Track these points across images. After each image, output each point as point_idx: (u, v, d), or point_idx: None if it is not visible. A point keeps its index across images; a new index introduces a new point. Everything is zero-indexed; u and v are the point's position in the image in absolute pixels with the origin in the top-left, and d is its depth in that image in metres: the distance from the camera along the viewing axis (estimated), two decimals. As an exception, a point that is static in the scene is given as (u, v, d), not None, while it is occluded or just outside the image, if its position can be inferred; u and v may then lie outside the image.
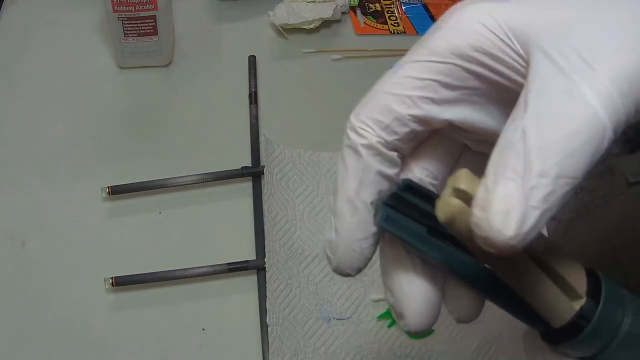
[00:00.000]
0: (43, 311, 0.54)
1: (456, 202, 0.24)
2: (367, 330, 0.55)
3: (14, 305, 0.54)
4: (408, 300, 0.28)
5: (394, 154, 0.27)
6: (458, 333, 0.56)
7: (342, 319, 0.55)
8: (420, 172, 0.29)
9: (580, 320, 0.27)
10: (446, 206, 0.24)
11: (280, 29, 0.73)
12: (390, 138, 0.27)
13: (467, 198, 0.24)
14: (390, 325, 0.55)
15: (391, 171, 0.28)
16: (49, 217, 0.59)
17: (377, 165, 0.27)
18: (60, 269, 0.56)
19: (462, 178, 0.24)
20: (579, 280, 0.27)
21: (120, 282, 0.54)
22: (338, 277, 0.57)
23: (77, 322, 0.54)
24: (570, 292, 0.27)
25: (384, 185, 0.28)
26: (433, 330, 0.56)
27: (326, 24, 0.75)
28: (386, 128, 0.27)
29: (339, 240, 0.28)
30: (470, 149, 0.30)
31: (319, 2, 0.73)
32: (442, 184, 0.29)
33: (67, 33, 0.71)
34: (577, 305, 0.27)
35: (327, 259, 0.28)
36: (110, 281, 0.54)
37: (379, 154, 0.27)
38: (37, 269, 0.56)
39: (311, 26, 0.73)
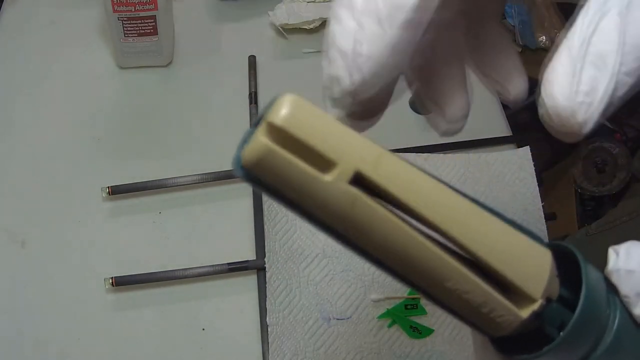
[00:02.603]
0: (43, 311, 0.54)
1: (265, 142, 0.19)
2: (367, 330, 0.55)
3: (14, 305, 0.54)
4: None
5: None
6: (458, 333, 0.56)
7: (342, 319, 0.55)
8: None
9: (539, 326, 0.21)
10: (257, 146, 0.19)
11: (280, 29, 0.73)
12: None
13: (286, 137, 0.19)
14: (390, 325, 0.55)
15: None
16: (49, 217, 0.59)
17: None
18: (60, 269, 0.56)
19: (284, 107, 0.19)
20: (532, 275, 0.21)
21: (120, 282, 0.54)
22: (338, 277, 0.57)
23: (77, 322, 0.54)
24: (516, 293, 0.21)
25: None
26: (433, 330, 0.56)
27: (326, 24, 0.75)
28: None
29: (363, 52, 0.22)
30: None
31: (319, 2, 0.73)
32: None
33: (67, 33, 0.71)
34: (528, 310, 0.21)
35: (335, 81, 0.23)
36: (110, 281, 0.54)
37: None
38: (37, 269, 0.56)
39: (311, 26, 0.73)
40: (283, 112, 0.19)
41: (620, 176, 1.08)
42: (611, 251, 0.24)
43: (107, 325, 0.54)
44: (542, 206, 0.64)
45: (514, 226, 0.22)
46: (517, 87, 0.30)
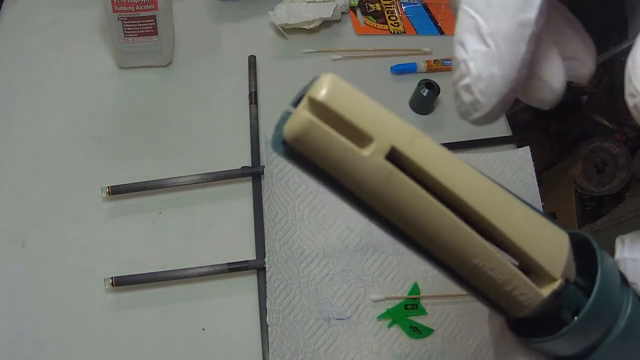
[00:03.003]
0: (43, 311, 0.54)
1: (308, 117, 0.20)
2: (367, 330, 0.55)
3: (14, 305, 0.54)
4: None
5: None
6: (458, 333, 0.56)
7: (342, 319, 0.55)
8: None
9: (556, 308, 0.22)
10: (300, 119, 0.20)
11: (280, 29, 0.73)
12: None
13: (326, 113, 0.20)
14: (390, 325, 0.55)
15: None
16: (49, 217, 0.59)
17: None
18: (60, 269, 0.56)
19: (325, 85, 0.21)
20: (552, 255, 0.22)
21: (120, 282, 0.54)
22: (338, 277, 0.57)
23: (77, 322, 0.54)
24: (537, 273, 0.22)
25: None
26: (433, 330, 0.56)
27: (326, 24, 0.75)
28: None
29: (496, 73, 0.23)
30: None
31: (319, 2, 0.73)
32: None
33: (67, 33, 0.71)
34: (548, 289, 0.22)
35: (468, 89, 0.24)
36: (110, 281, 0.54)
37: None
38: (37, 269, 0.56)
39: (311, 26, 0.73)
40: (324, 89, 0.20)
41: (620, 176, 1.08)
42: (618, 241, 0.25)
43: (107, 325, 0.54)
44: (542, 206, 0.64)
45: (534, 209, 0.23)
46: (589, 62, 0.30)
